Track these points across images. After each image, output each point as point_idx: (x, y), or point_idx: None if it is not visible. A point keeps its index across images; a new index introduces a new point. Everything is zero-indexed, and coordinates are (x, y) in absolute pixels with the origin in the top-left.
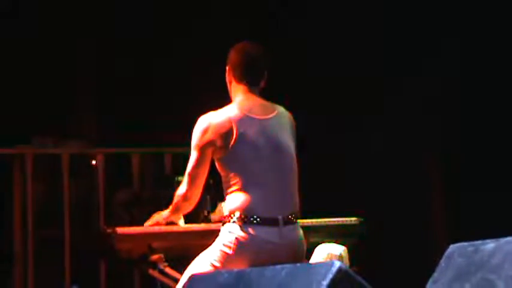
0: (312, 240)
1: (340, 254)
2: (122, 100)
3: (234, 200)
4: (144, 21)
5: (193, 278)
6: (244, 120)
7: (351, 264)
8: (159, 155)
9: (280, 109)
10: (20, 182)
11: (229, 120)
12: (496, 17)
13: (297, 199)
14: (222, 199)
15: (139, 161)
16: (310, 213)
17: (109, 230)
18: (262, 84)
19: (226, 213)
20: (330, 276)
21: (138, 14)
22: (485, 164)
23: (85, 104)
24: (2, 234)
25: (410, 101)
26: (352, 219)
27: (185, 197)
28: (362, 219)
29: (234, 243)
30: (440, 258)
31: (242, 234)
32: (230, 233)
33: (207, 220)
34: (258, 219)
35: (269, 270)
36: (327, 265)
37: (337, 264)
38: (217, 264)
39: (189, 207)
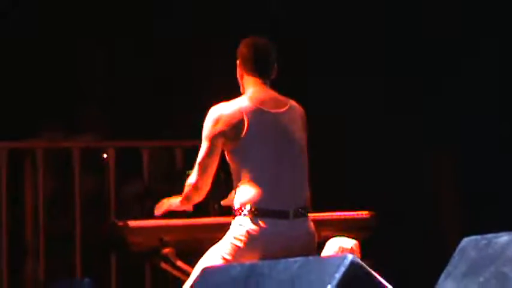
0: (324, 233)
1: (352, 247)
2: (133, 94)
3: (244, 192)
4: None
5: (205, 271)
6: (255, 112)
7: (362, 258)
8: (170, 149)
9: (293, 103)
10: (31, 176)
11: (241, 112)
12: None
13: (307, 193)
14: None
15: (150, 155)
16: (322, 207)
17: (120, 224)
18: (272, 76)
19: (236, 206)
20: (342, 269)
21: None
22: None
23: (96, 97)
24: (14, 227)
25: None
26: (364, 213)
27: (196, 187)
28: (373, 213)
29: (245, 236)
30: (453, 251)
31: (253, 227)
32: (241, 226)
33: (218, 213)
34: (269, 213)
35: (281, 263)
36: (340, 258)
37: (350, 257)
38: (229, 258)
39: (199, 197)
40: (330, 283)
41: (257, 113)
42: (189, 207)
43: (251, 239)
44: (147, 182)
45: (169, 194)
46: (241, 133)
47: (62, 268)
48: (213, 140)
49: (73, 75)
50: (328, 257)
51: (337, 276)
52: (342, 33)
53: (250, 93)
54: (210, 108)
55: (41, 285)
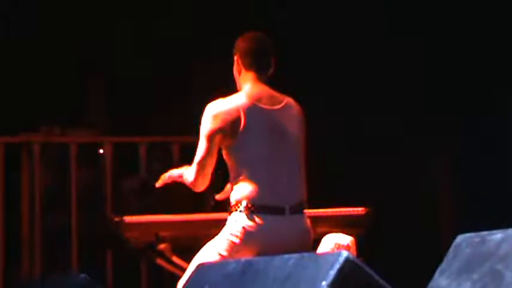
0: (319, 230)
1: (348, 244)
2: (130, 89)
3: (241, 189)
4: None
5: (200, 267)
6: (252, 109)
7: (358, 255)
8: (167, 144)
9: (289, 100)
10: (28, 171)
11: (237, 108)
12: None
13: (303, 189)
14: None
15: (147, 150)
16: (318, 203)
17: (116, 219)
18: (270, 72)
19: (232, 202)
20: (337, 265)
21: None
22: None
23: (93, 92)
24: (10, 222)
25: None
26: (360, 210)
27: (193, 185)
28: (369, 210)
29: (241, 233)
30: (447, 248)
31: (249, 223)
32: (237, 222)
33: (214, 209)
34: (265, 209)
35: (276, 260)
36: (335, 255)
37: (345, 253)
38: (225, 254)
39: (200, 189)
40: (324, 280)
41: (254, 110)
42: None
43: (247, 235)
44: (143, 177)
45: (166, 190)
46: (238, 130)
47: (58, 263)
48: (211, 137)
49: (71, 71)
50: (323, 254)
51: (332, 273)
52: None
53: (247, 90)
54: (207, 103)
55: (37, 280)
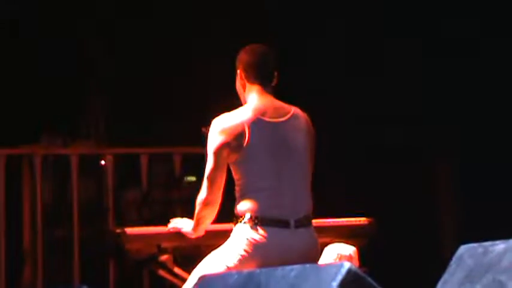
0: (322, 240)
1: (350, 254)
2: (131, 100)
3: (245, 201)
4: (151, 24)
5: (202, 279)
6: (257, 123)
7: (361, 265)
8: (168, 156)
9: (296, 111)
10: (29, 182)
11: (242, 123)
12: None
13: (310, 202)
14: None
15: (148, 161)
16: (320, 213)
17: (118, 230)
18: (274, 83)
19: (237, 214)
20: (339, 277)
21: (145, 14)
22: (495, 162)
23: (94, 104)
24: (12, 233)
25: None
26: (362, 220)
27: (206, 202)
28: (372, 220)
29: (245, 244)
30: (450, 259)
31: (253, 235)
32: (241, 234)
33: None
34: (269, 221)
35: (279, 271)
36: (337, 266)
37: (347, 265)
38: (228, 265)
39: (212, 213)
40: None
41: (258, 124)
42: (200, 234)
43: (251, 247)
44: (145, 188)
45: (168, 200)
46: (243, 144)
47: (60, 275)
48: (218, 152)
49: (72, 82)
50: (325, 265)
51: (334, 284)
52: None
53: (253, 103)
54: (209, 113)
55: None
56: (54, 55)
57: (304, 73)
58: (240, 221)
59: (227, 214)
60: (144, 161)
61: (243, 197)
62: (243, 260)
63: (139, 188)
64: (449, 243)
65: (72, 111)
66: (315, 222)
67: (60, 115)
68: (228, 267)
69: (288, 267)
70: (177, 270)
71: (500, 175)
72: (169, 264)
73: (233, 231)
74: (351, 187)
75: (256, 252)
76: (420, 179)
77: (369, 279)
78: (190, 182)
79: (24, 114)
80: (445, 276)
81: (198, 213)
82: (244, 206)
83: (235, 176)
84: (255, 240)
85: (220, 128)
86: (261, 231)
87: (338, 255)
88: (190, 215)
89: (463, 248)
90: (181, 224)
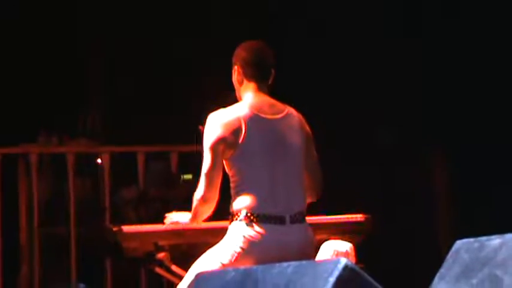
0: (318, 237)
1: (346, 251)
2: (128, 98)
3: (241, 198)
4: (147, 22)
5: (199, 276)
6: (253, 119)
7: (357, 261)
8: (165, 154)
9: (291, 109)
10: (25, 181)
11: (239, 119)
12: None
13: (304, 198)
14: (228, 196)
15: (145, 159)
16: (316, 210)
17: (115, 229)
18: (270, 81)
19: (233, 211)
20: (336, 273)
21: (142, 14)
22: (490, 159)
23: (91, 102)
24: (8, 232)
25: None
26: (358, 216)
27: (204, 199)
28: (368, 216)
29: (241, 241)
30: (446, 254)
31: (249, 232)
32: (237, 231)
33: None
34: (265, 218)
35: (275, 268)
36: (334, 262)
37: (344, 261)
38: (224, 262)
39: (208, 210)
40: (324, 287)
41: (255, 120)
42: (198, 224)
43: (247, 244)
44: (142, 187)
45: (165, 199)
46: (239, 140)
47: (57, 273)
48: (215, 148)
49: (68, 80)
50: (322, 261)
51: (331, 280)
52: None
53: (248, 100)
54: (206, 112)
55: None
56: (51, 54)
57: (298, 71)
58: (236, 219)
59: (224, 212)
60: (140, 159)
61: (238, 194)
62: (239, 257)
63: (136, 186)
64: (446, 239)
65: (69, 110)
66: (312, 219)
67: (56, 114)
68: (224, 264)
69: (285, 264)
70: (174, 268)
71: (496, 171)
72: (167, 262)
73: (229, 228)
74: (347, 184)
75: (253, 249)
76: (416, 175)
77: (366, 275)
78: (187, 180)
79: (20, 113)
80: (442, 271)
81: (195, 209)
82: (240, 203)
83: (230, 172)
84: (251, 237)
85: (216, 123)
86: (257, 228)
87: (335, 251)
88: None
89: (459, 243)
90: (178, 217)
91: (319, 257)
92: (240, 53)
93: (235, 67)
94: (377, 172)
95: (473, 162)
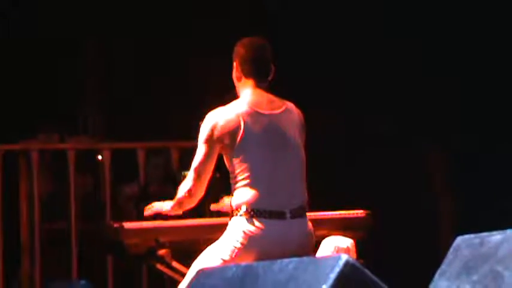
0: (319, 233)
1: (347, 247)
2: (128, 95)
3: (241, 194)
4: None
5: (200, 272)
6: (252, 115)
7: (358, 257)
8: (166, 150)
9: (289, 104)
10: (26, 177)
11: (237, 116)
12: None
13: (304, 193)
14: (228, 193)
15: (146, 156)
16: (317, 206)
17: (116, 225)
18: (270, 78)
19: (233, 207)
20: (337, 269)
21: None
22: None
23: (91, 99)
24: (10, 228)
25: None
26: (359, 212)
27: (190, 193)
28: (369, 212)
29: (242, 237)
30: (447, 250)
31: (249, 227)
32: (237, 227)
33: (214, 214)
34: (265, 213)
35: (276, 264)
36: (334, 258)
37: (345, 257)
38: (225, 258)
39: (192, 203)
40: (324, 283)
41: (253, 116)
42: (178, 212)
43: (247, 240)
44: (142, 183)
45: (166, 195)
46: (238, 137)
47: (58, 270)
48: (209, 145)
49: (69, 77)
50: (323, 257)
51: (332, 276)
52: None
53: (247, 97)
54: (205, 108)
55: (37, 287)
56: (51, 52)
57: (298, 72)
58: (236, 214)
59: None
60: (141, 155)
61: (238, 189)
62: (239, 253)
63: (137, 182)
64: (446, 235)
65: (69, 107)
66: (313, 214)
67: (57, 111)
68: (225, 260)
69: (286, 260)
70: (175, 264)
71: (496, 165)
72: (168, 258)
73: (229, 224)
74: (348, 180)
75: (253, 244)
76: (417, 171)
77: (366, 271)
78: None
79: (21, 110)
80: (442, 267)
81: (179, 199)
82: (240, 198)
83: (230, 168)
84: (251, 232)
85: (213, 122)
86: (257, 223)
87: (335, 247)
88: (187, 210)
89: (460, 239)
90: (160, 206)
91: (320, 253)
92: (239, 50)
93: (234, 63)
94: (378, 168)
95: (474, 159)
